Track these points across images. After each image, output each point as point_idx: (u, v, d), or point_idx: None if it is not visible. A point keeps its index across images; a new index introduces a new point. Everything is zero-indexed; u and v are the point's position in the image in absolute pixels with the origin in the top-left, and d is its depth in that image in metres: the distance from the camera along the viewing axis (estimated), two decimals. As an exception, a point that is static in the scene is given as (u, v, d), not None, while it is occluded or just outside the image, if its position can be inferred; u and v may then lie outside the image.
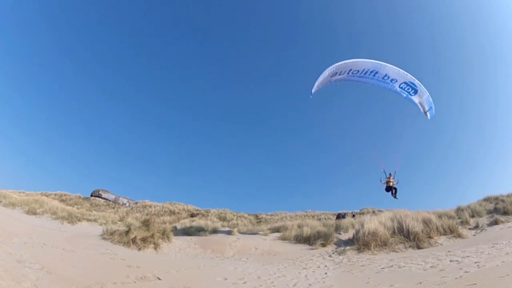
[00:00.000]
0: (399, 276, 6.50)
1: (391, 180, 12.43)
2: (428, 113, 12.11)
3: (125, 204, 34.02)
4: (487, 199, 14.33)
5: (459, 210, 13.22)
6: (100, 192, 34.81)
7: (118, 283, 5.44)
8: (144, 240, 10.32)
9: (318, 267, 8.83)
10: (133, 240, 10.08)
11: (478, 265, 5.89)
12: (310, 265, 9.10)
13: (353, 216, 22.50)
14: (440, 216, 11.50)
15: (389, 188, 12.40)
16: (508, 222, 10.86)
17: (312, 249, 11.40)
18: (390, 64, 11.43)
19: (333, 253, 10.48)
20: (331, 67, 11.26)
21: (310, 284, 6.74)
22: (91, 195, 34.88)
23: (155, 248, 10.42)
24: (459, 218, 12.13)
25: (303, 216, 28.70)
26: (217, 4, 76.65)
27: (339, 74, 11.72)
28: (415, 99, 11.86)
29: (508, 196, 13.44)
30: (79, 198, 33.72)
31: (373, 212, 26.88)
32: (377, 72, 11.49)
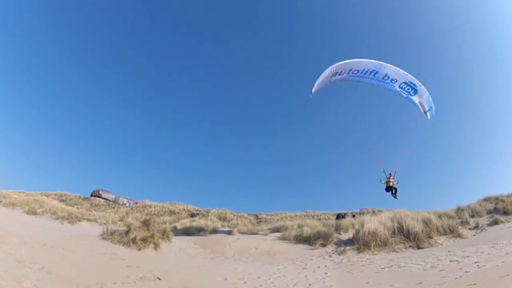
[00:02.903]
0: (399, 276, 6.50)
1: (391, 180, 12.50)
2: (428, 113, 12.12)
3: (125, 204, 34.01)
4: (487, 199, 14.33)
5: (459, 210, 13.22)
6: (100, 192, 34.81)
7: (118, 283, 5.44)
8: (144, 240, 10.31)
9: (318, 267, 8.83)
10: (133, 240, 10.07)
11: (478, 265, 5.89)
12: (310, 265, 9.09)
13: (353, 216, 22.49)
14: (440, 216, 11.50)
15: (389, 188, 12.45)
16: (508, 222, 10.86)
17: (312, 249, 11.40)
18: (390, 63, 11.36)
19: (333, 253, 10.48)
20: (331, 66, 11.18)
21: (310, 284, 6.74)
22: (91, 195, 34.87)
23: (155, 248, 10.41)
24: (459, 218, 12.12)
25: (303, 216, 28.68)
26: (218, 5, 76.62)
27: (339, 74, 11.68)
28: (415, 99, 11.87)
29: (508, 196, 13.44)
30: (79, 198, 33.71)
31: (373, 212, 26.86)
32: (377, 72, 11.47)
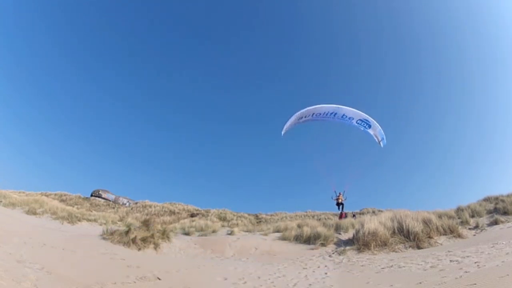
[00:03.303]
0: (399, 276, 6.50)
1: (341, 197, 15.69)
2: (381, 143, 14.92)
3: (125, 204, 34.01)
4: (487, 199, 14.31)
5: (459, 210, 13.20)
6: (100, 192, 34.81)
7: (118, 283, 5.44)
8: (144, 240, 10.31)
9: (318, 267, 8.83)
10: (133, 240, 10.07)
11: (478, 265, 5.89)
12: (310, 265, 9.09)
13: (353, 216, 22.48)
14: (440, 216, 11.49)
15: (338, 204, 15.76)
16: (508, 222, 10.86)
17: (312, 249, 11.39)
18: (346, 106, 14.41)
19: (333, 253, 10.48)
20: (298, 113, 14.03)
21: (310, 284, 6.74)
22: (91, 195, 34.88)
23: (155, 248, 10.41)
24: (459, 218, 12.12)
25: (303, 216, 28.69)
26: (218, 5, 76.59)
27: (305, 117, 14.40)
28: (370, 131, 14.80)
29: (508, 196, 13.42)
30: (79, 198, 33.72)
31: (373, 212, 26.87)
32: (336, 113, 14.28)
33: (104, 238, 10.35)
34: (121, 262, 7.43)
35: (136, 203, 34.14)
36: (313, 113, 14.17)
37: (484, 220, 11.82)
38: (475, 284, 4.47)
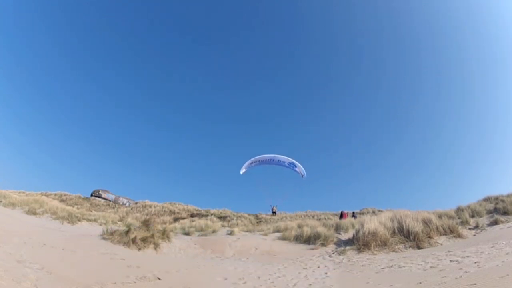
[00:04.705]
0: (399, 276, 6.50)
1: (274, 208, 24.24)
2: (303, 177, 21.70)
3: (125, 204, 34.01)
4: (487, 199, 14.31)
5: (459, 210, 13.20)
6: (100, 192, 34.81)
7: (118, 283, 5.44)
8: (144, 240, 10.31)
9: (318, 267, 8.83)
10: (133, 240, 10.07)
11: (478, 265, 5.89)
12: (310, 265, 9.09)
13: (353, 215, 22.48)
14: (440, 216, 11.48)
15: (273, 212, 24.73)
16: (508, 222, 10.86)
17: (312, 249, 11.39)
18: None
19: (333, 253, 10.48)
20: (249, 160, 21.79)
21: (310, 284, 6.74)
22: (91, 195, 34.87)
23: (155, 248, 10.41)
24: (459, 218, 12.11)
25: (303, 216, 28.67)
26: (218, 5, 76.59)
27: (255, 163, 21.84)
28: (297, 169, 21.58)
29: (508, 196, 13.42)
30: (79, 198, 33.71)
31: (373, 212, 26.86)
32: (273, 159, 21.68)
33: (104, 238, 10.35)
34: (121, 262, 7.43)
35: (136, 203, 34.13)
36: (259, 160, 21.43)
37: (484, 220, 11.82)
38: (475, 284, 4.47)
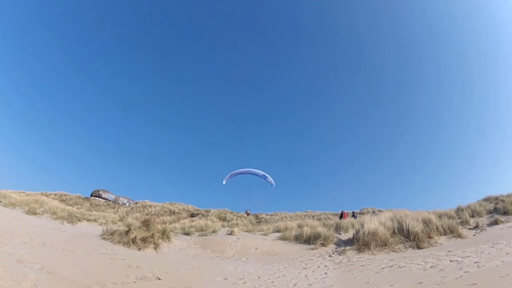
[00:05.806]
0: (399, 276, 6.50)
1: (248, 212, 29.36)
2: (273, 185, 25.62)
3: (125, 204, 34.01)
4: (487, 199, 14.31)
5: (459, 210, 13.20)
6: (100, 192, 34.81)
7: (118, 283, 5.44)
8: (144, 240, 10.32)
9: (318, 267, 8.83)
10: (133, 240, 10.07)
11: (478, 265, 5.89)
12: (310, 265, 9.10)
13: (354, 215, 22.49)
14: (440, 216, 11.49)
15: (247, 214, 29.48)
16: (508, 222, 10.86)
17: (312, 249, 11.39)
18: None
19: (333, 253, 10.48)
20: (231, 172, 26.02)
21: (310, 284, 6.74)
22: (91, 195, 34.87)
23: (155, 248, 10.42)
24: (459, 218, 12.11)
25: (303, 216, 28.73)
26: (218, 6, 76.63)
27: (234, 175, 25.92)
28: (268, 179, 25.23)
29: (508, 196, 13.43)
30: (79, 198, 33.71)
31: (373, 212, 26.89)
32: (249, 172, 25.60)
33: (104, 238, 10.35)
34: (121, 262, 7.43)
35: (136, 203, 34.15)
36: (238, 172, 25.68)
37: (484, 220, 11.82)
38: (475, 284, 4.47)
